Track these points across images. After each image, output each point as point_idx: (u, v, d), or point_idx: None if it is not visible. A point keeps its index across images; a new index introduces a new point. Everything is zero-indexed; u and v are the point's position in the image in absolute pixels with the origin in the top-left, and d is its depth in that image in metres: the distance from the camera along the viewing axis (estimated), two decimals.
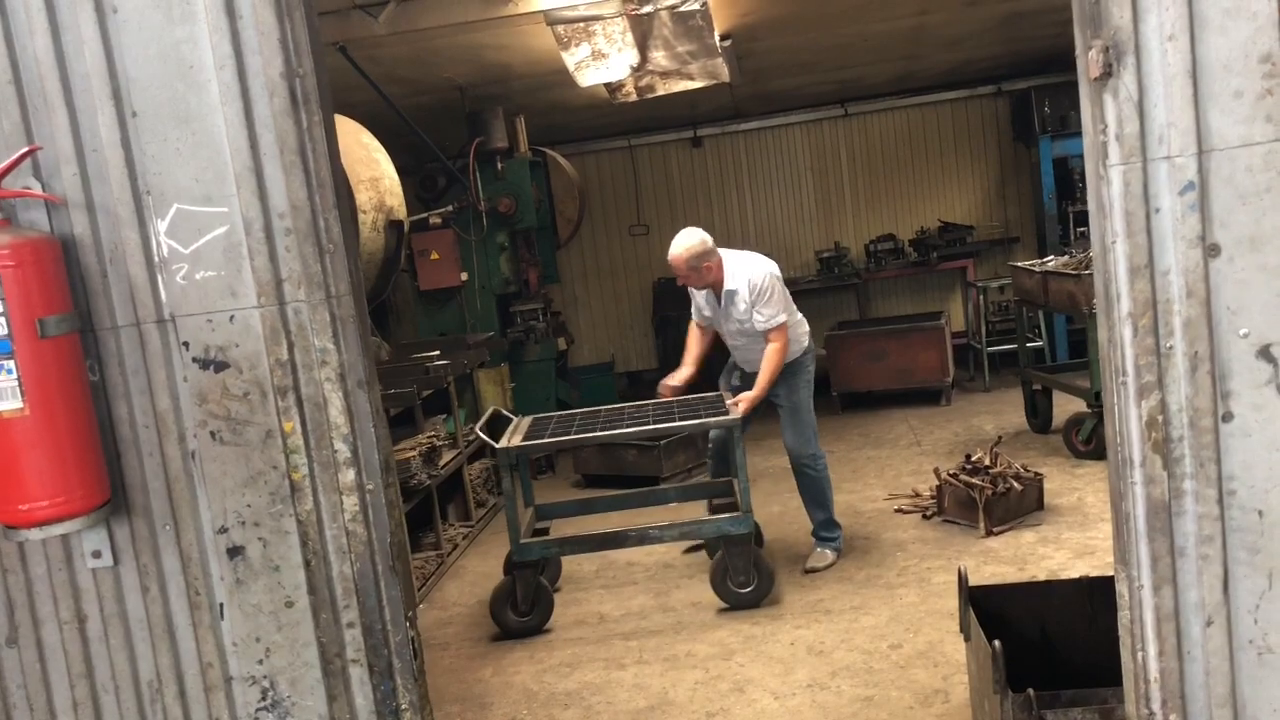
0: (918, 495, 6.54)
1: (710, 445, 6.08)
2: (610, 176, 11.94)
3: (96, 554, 2.57)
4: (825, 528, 5.70)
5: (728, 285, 5.44)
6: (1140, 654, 2.35)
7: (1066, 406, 7.38)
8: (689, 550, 6.13)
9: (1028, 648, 3.38)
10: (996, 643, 2.88)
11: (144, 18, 2.41)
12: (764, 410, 5.62)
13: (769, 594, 5.19)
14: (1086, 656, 3.34)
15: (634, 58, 6.62)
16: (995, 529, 5.75)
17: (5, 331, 2.30)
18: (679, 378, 5.70)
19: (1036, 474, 6.14)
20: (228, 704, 2.63)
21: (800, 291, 11.17)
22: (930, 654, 4.40)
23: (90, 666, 2.64)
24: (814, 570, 5.56)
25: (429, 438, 6.37)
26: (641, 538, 5.32)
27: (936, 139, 11.59)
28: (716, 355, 6.00)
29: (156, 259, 2.47)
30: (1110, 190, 2.24)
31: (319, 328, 2.48)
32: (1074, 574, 4.56)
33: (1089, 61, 2.22)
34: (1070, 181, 10.06)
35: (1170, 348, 2.24)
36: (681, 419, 5.24)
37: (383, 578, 2.58)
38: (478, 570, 6.37)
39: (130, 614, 2.61)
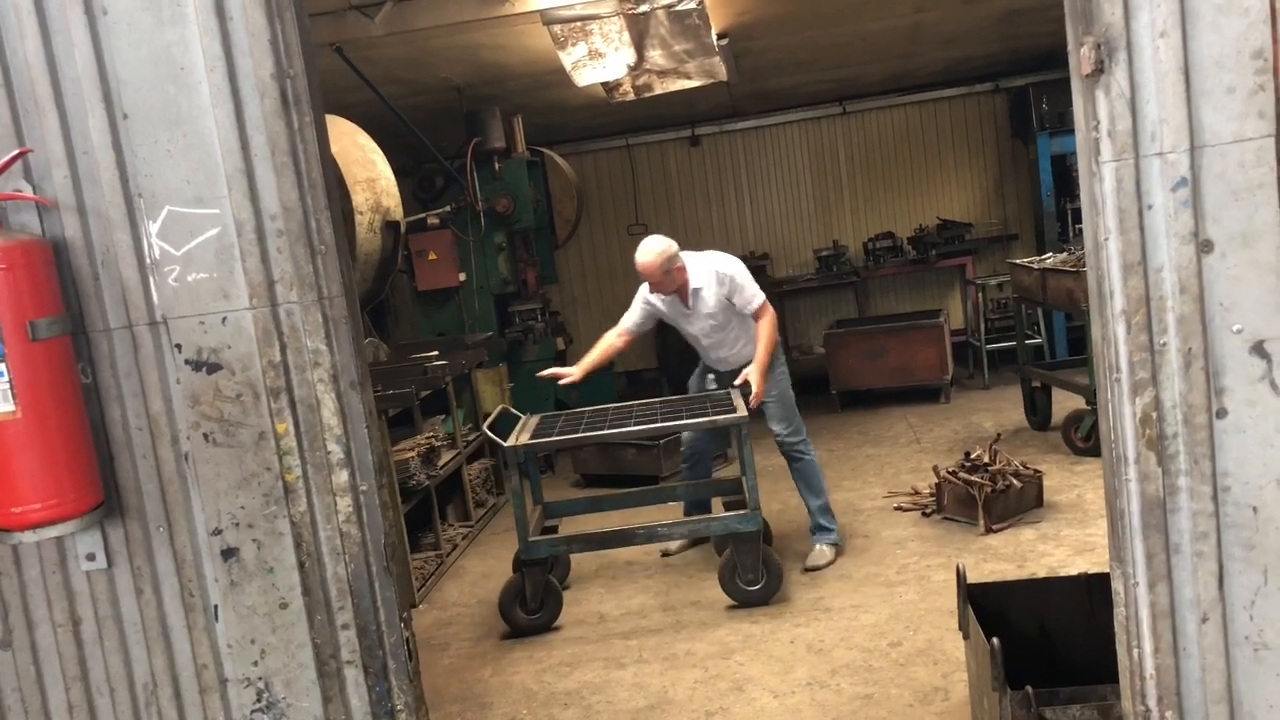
0: (917, 493, 6.54)
1: (683, 449, 6.12)
2: (608, 176, 11.95)
3: (90, 556, 2.57)
4: (824, 514, 5.75)
5: (693, 284, 5.53)
6: (1136, 651, 2.35)
7: (1065, 404, 7.38)
8: (666, 554, 6.14)
9: (1027, 645, 3.38)
10: (995, 640, 2.88)
11: (134, 20, 2.40)
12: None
13: (778, 591, 5.19)
14: (1085, 653, 3.33)
15: (631, 57, 6.62)
16: (995, 526, 5.75)
17: None
18: (565, 371, 5.70)
19: (1036, 471, 6.14)
20: (223, 706, 2.63)
21: (799, 290, 11.30)
22: (930, 652, 4.40)
23: (85, 669, 2.64)
24: (815, 569, 5.57)
25: (427, 438, 6.37)
26: (650, 535, 5.34)
27: (935, 136, 11.59)
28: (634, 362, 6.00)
29: (148, 261, 2.46)
30: (1103, 187, 2.23)
31: (311, 329, 2.48)
32: (1074, 571, 4.56)
33: (1081, 58, 2.22)
34: (1069, 178, 10.04)
35: (1164, 344, 2.24)
36: (689, 417, 5.24)
37: (377, 579, 2.58)
38: (477, 570, 6.37)
39: (125, 616, 2.61)
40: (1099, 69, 2.20)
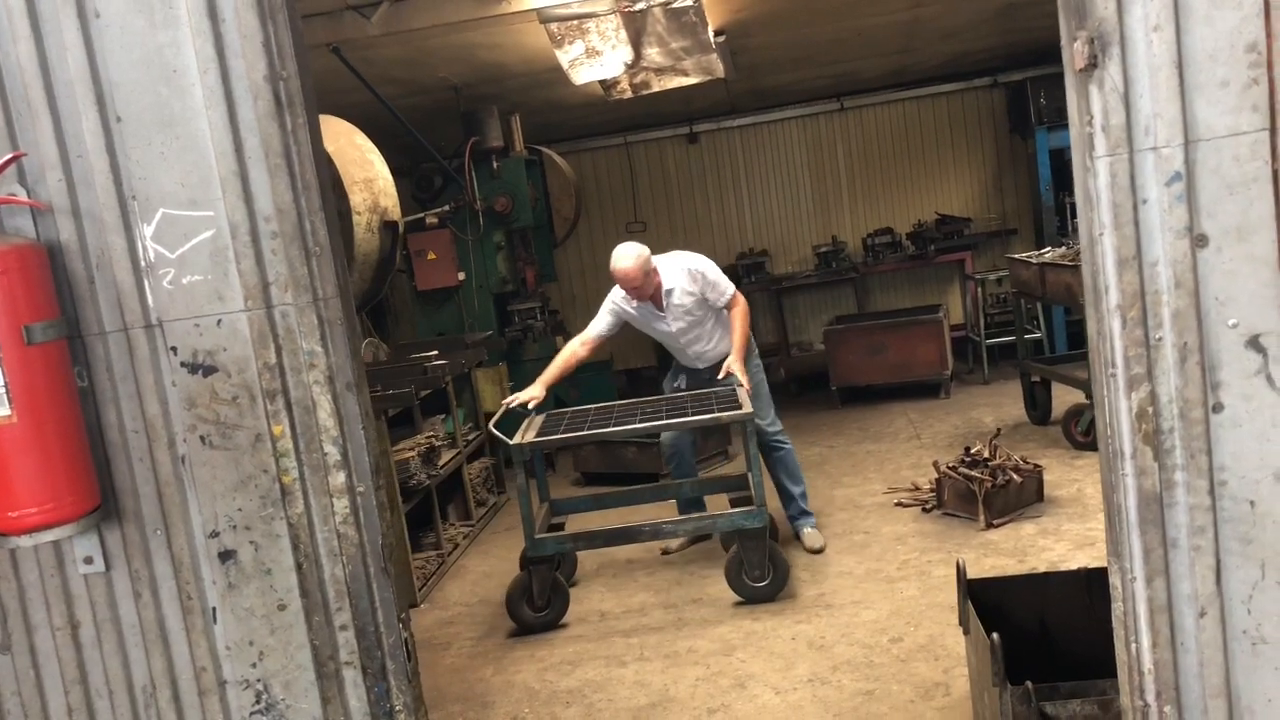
0: (917, 488, 6.54)
1: (664, 450, 6.15)
2: (606, 174, 11.94)
3: (88, 560, 2.57)
4: (804, 499, 5.96)
5: (665, 285, 5.65)
6: (1134, 646, 2.35)
7: (1065, 398, 7.37)
8: (666, 552, 6.16)
9: (1027, 640, 3.38)
10: (995, 635, 2.88)
11: (127, 22, 2.40)
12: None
13: (785, 587, 5.20)
14: (1086, 648, 3.32)
15: (628, 55, 6.61)
16: (995, 521, 5.75)
17: None
18: (526, 396, 5.60)
19: (1036, 466, 6.13)
20: (222, 708, 2.63)
21: (798, 286, 11.29)
22: (931, 647, 4.40)
23: (84, 672, 2.64)
24: (819, 550, 5.74)
25: (427, 438, 6.37)
26: (655, 533, 5.35)
27: (933, 132, 11.58)
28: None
29: (143, 264, 2.46)
30: (1097, 182, 2.23)
31: (307, 331, 2.48)
32: (1074, 565, 4.56)
33: (1074, 53, 2.22)
34: (1067, 173, 9.81)
35: (1159, 339, 2.23)
36: (695, 413, 5.24)
37: (375, 580, 2.58)
38: (479, 570, 6.37)
39: (123, 619, 2.61)
40: (1092, 63, 2.20)
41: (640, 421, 5.26)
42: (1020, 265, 7.74)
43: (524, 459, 5.18)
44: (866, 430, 8.56)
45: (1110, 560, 2.40)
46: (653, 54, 6.77)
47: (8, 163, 2.42)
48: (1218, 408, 2.23)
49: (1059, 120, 9.83)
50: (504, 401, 5.66)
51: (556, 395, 8.32)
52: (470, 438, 7.36)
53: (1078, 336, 9.47)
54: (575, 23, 6.13)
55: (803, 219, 11.85)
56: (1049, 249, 8.03)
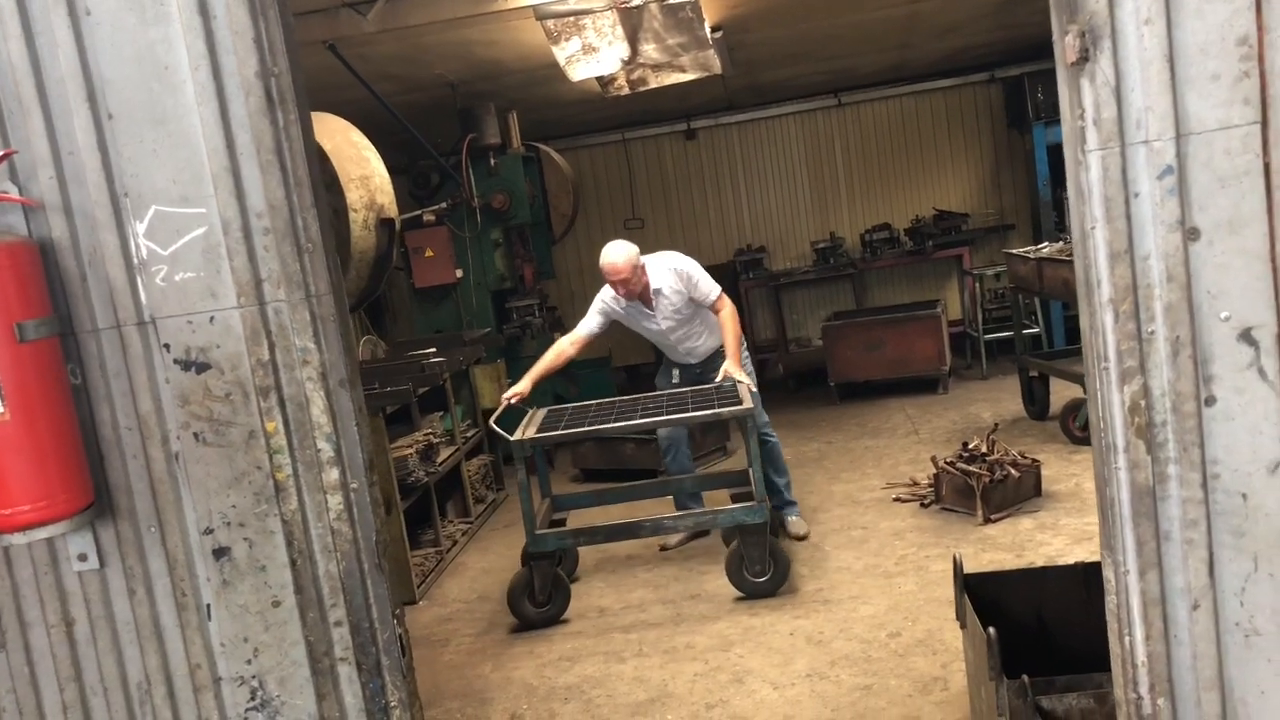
0: (915, 484, 6.54)
1: (660, 443, 6.20)
2: (604, 170, 11.94)
3: (82, 557, 2.57)
4: (789, 490, 6.12)
5: (654, 285, 5.72)
6: (1127, 638, 2.35)
7: (1063, 393, 7.37)
8: (665, 549, 6.18)
9: (1024, 634, 3.39)
10: (991, 629, 2.88)
11: (117, 19, 2.40)
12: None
13: (785, 582, 5.20)
14: (1082, 642, 3.33)
15: (625, 51, 6.61)
16: (993, 516, 5.75)
17: None
18: (512, 391, 5.65)
19: (1034, 460, 6.13)
20: (217, 704, 2.63)
21: (796, 282, 11.28)
22: (929, 642, 4.40)
23: (79, 669, 2.64)
24: (803, 536, 5.91)
25: (426, 435, 6.37)
26: (656, 528, 5.37)
27: (931, 127, 11.57)
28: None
29: (135, 261, 2.46)
30: (1089, 175, 2.23)
31: (299, 327, 2.48)
32: (1072, 560, 4.55)
33: (1065, 46, 2.22)
34: (1065, 168, 9.98)
35: (1152, 332, 2.23)
36: (696, 409, 5.25)
37: (369, 576, 2.58)
38: (478, 566, 6.38)
39: (117, 616, 2.61)
40: (1084, 57, 2.19)
41: (642, 417, 5.26)
42: (1018, 260, 7.74)
43: (524, 455, 5.19)
44: (865, 426, 8.56)
45: (1104, 553, 2.40)
46: (649, 50, 6.77)
47: None
48: (1210, 401, 2.23)
49: (1057, 116, 9.67)
50: (504, 396, 5.68)
51: (555, 392, 8.34)
52: (469, 435, 7.37)
53: (1076, 332, 9.40)
54: (572, 19, 6.12)
55: (801, 215, 11.85)
56: (1046, 244, 8.03)
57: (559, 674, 4.65)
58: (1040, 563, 4.97)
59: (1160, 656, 2.32)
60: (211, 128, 2.41)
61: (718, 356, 5.91)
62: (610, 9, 6.09)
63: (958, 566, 3.40)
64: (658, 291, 5.73)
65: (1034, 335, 9.61)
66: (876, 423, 8.61)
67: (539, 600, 5.22)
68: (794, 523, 6.03)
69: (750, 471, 5.30)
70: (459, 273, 8.59)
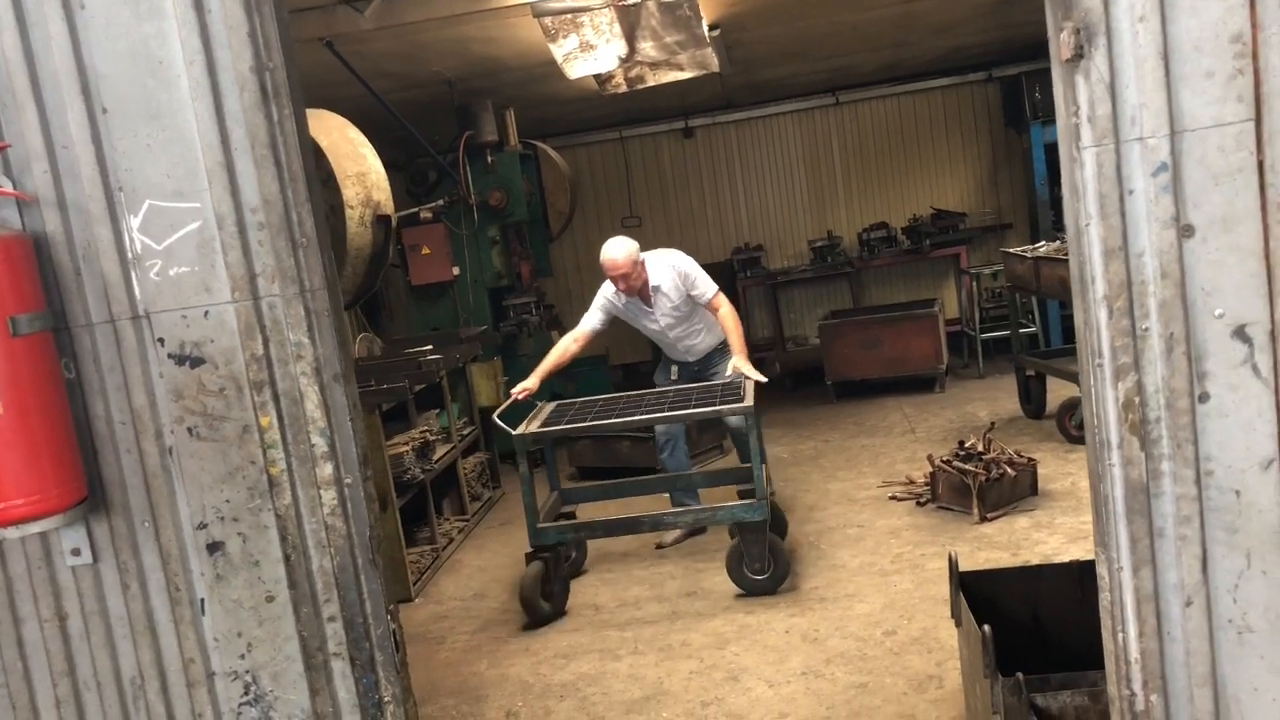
0: (912, 482, 6.54)
1: (658, 438, 6.20)
2: (602, 168, 11.93)
3: (76, 551, 2.57)
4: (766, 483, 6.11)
5: (653, 282, 5.77)
6: (1121, 635, 2.35)
7: (1060, 392, 7.38)
8: (661, 546, 6.18)
9: (1019, 632, 3.39)
10: (986, 627, 2.88)
11: (112, 14, 2.39)
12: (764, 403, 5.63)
13: (785, 580, 5.21)
14: (1077, 639, 3.34)
15: (622, 49, 6.59)
16: (989, 515, 5.76)
17: None
18: (520, 387, 5.70)
19: (1030, 459, 6.14)
20: (210, 699, 2.63)
21: (794, 281, 11.27)
22: (924, 640, 4.40)
23: (72, 664, 2.64)
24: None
25: (422, 432, 6.37)
26: (656, 523, 5.39)
27: (928, 126, 11.56)
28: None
29: (129, 255, 2.46)
30: (1083, 173, 2.23)
31: (294, 322, 2.48)
32: (1067, 558, 4.56)
33: (1060, 43, 2.22)
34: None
35: (1146, 329, 2.23)
36: (699, 405, 5.25)
37: (363, 571, 2.58)
38: (473, 564, 6.38)
39: (111, 611, 2.61)
40: (1078, 54, 2.20)
41: (645, 413, 5.26)
42: (1015, 259, 7.74)
43: (526, 449, 5.19)
44: (861, 424, 8.57)
45: (1097, 550, 2.40)
46: (647, 48, 6.76)
47: None
48: (1204, 397, 2.23)
49: (1054, 115, 9.76)
50: (512, 391, 5.70)
51: (553, 390, 8.33)
52: (465, 432, 7.36)
53: (1072, 331, 9.39)
54: (569, 16, 6.11)
55: (798, 213, 11.85)
56: (1044, 243, 8.03)
57: (554, 671, 4.65)
58: (1036, 561, 4.97)
59: (1153, 653, 2.32)
60: (206, 122, 2.41)
61: (716, 354, 5.92)
62: (608, 6, 6.08)
63: (953, 565, 3.40)
64: (656, 288, 5.76)
65: (1031, 334, 9.62)
66: (873, 421, 8.61)
67: (547, 594, 5.23)
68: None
69: (751, 468, 5.29)
70: (456, 270, 8.59)
